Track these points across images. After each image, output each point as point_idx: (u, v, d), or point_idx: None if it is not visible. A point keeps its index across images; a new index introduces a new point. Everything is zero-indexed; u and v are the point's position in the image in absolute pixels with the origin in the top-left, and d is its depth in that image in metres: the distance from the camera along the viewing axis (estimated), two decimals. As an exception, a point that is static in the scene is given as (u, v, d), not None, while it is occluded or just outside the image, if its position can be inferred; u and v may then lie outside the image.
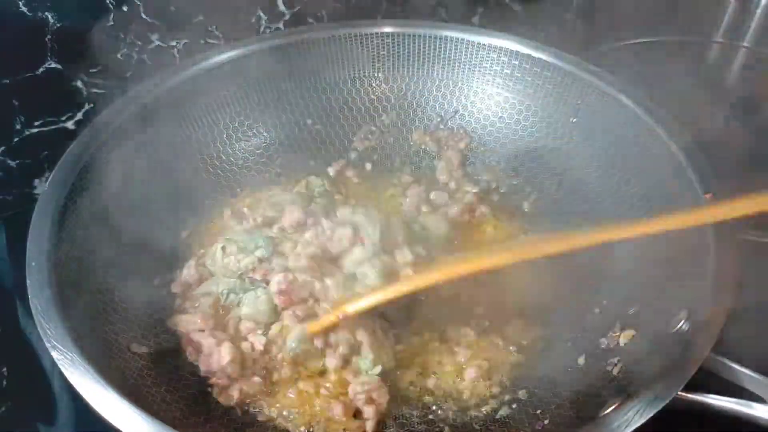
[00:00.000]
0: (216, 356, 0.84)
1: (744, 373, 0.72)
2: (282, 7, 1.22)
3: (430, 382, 0.87)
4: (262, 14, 1.21)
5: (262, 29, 1.23)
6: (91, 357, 0.72)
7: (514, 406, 0.84)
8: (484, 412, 0.84)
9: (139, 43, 1.13)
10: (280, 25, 1.24)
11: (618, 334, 0.84)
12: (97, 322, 0.82)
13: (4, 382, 0.95)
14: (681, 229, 0.70)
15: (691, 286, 0.78)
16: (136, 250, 0.96)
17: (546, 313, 0.94)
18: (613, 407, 0.68)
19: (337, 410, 0.81)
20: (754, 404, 0.69)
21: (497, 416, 0.83)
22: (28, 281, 0.78)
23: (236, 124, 1.15)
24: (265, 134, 1.18)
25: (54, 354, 0.71)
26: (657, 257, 0.88)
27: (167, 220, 1.03)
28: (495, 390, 0.86)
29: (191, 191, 1.09)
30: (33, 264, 0.80)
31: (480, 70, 1.17)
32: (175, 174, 1.07)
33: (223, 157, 1.14)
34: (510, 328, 0.93)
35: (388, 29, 1.17)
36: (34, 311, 0.75)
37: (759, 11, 1.47)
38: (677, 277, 0.83)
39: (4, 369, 0.96)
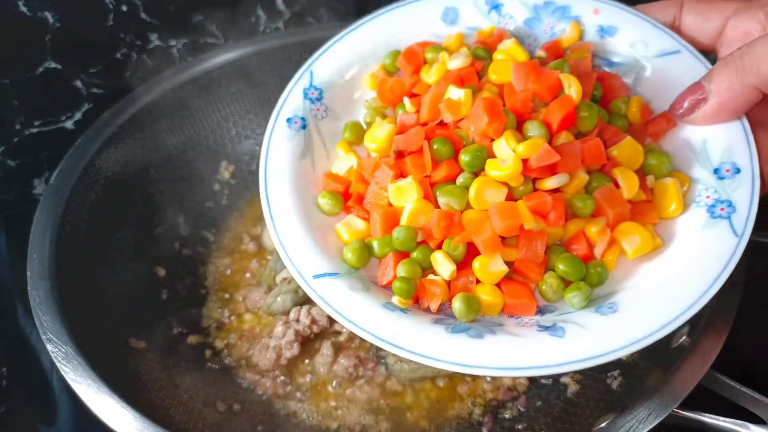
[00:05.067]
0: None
1: (743, 392, 0.70)
2: (282, 7, 1.22)
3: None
4: (261, 14, 1.21)
5: (261, 29, 1.23)
6: (86, 351, 0.73)
7: (507, 415, 0.84)
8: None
9: (139, 43, 1.13)
10: (280, 25, 1.24)
11: None
12: (95, 316, 0.82)
13: (4, 382, 0.95)
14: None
15: None
16: (138, 247, 0.96)
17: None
18: (606, 422, 0.68)
19: None
20: (752, 426, 0.67)
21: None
22: (28, 273, 0.79)
23: (246, 122, 1.15)
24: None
25: (49, 347, 0.72)
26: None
27: (167, 217, 1.04)
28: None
29: (195, 190, 1.09)
30: (34, 256, 0.81)
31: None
32: (178, 173, 1.08)
33: (230, 155, 1.15)
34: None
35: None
36: (32, 303, 0.75)
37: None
38: None
39: (4, 369, 0.96)
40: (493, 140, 0.65)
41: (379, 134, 0.71)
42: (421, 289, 0.64)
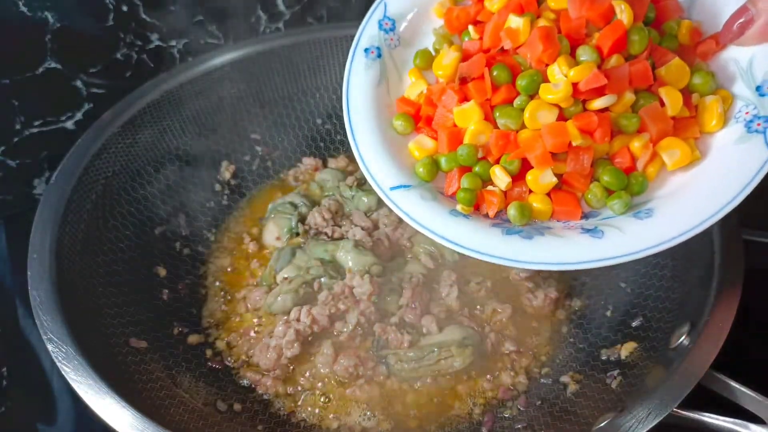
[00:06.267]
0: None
1: (743, 392, 0.70)
2: (282, 7, 1.22)
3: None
4: (261, 14, 1.21)
5: (262, 29, 1.23)
6: (87, 351, 0.73)
7: (506, 414, 0.84)
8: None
9: (139, 43, 1.13)
10: (280, 25, 1.24)
11: (620, 346, 0.84)
12: (96, 316, 0.82)
13: (4, 382, 0.95)
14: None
15: (694, 300, 0.78)
16: (138, 247, 0.96)
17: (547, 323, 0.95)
18: (606, 422, 0.68)
19: None
20: (752, 425, 0.68)
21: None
22: (29, 272, 0.79)
23: (246, 122, 1.15)
24: (274, 133, 1.18)
25: (49, 347, 0.72)
26: (663, 270, 0.87)
27: (168, 217, 1.04)
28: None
29: (195, 190, 1.10)
30: (35, 256, 0.81)
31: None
32: (179, 173, 1.08)
33: (231, 155, 1.15)
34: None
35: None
36: (32, 303, 0.75)
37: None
38: (682, 291, 0.83)
39: (4, 369, 0.96)
40: (547, 65, 0.70)
41: (446, 62, 0.77)
42: (481, 198, 0.73)
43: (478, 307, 0.94)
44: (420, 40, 0.85)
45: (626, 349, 0.82)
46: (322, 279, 0.93)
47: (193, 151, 1.11)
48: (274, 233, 1.04)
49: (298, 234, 1.02)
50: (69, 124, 1.12)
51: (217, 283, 1.02)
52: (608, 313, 0.91)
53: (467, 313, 0.92)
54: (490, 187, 0.73)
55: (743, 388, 0.70)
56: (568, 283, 0.97)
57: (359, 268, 0.93)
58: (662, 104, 0.69)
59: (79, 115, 1.13)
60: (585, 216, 0.71)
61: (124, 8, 1.08)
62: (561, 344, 0.91)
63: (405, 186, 0.73)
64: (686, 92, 0.70)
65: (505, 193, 0.73)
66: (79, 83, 1.10)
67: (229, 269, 1.04)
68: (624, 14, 0.69)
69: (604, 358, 0.84)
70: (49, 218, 0.86)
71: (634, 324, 0.85)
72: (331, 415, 0.85)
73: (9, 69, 1.04)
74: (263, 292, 0.96)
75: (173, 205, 1.06)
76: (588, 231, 0.67)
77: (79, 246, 0.87)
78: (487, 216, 0.72)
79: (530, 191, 0.72)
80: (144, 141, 1.04)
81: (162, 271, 0.98)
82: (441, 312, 0.91)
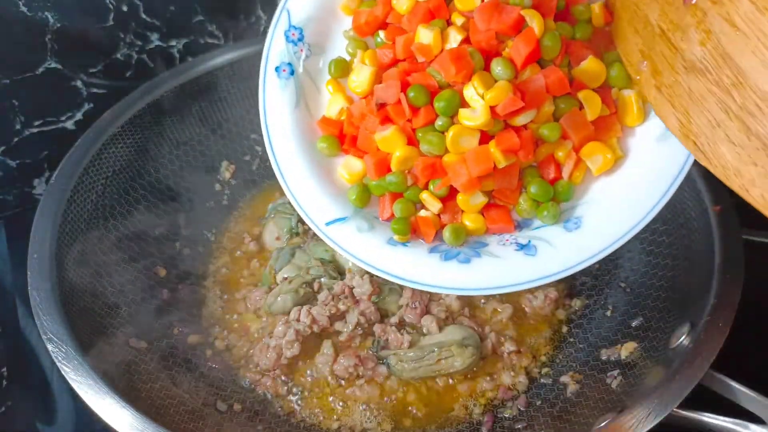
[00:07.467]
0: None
1: (743, 392, 0.70)
2: (282, 7, 1.22)
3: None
4: (261, 14, 1.21)
5: (262, 29, 1.23)
6: (86, 351, 0.73)
7: (506, 414, 0.84)
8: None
9: (139, 43, 1.13)
10: (280, 25, 1.24)
11: (620, 346, 0.83)
12: (96, 316, 0.82)
13: (4, 382, 0.95)
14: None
15: (694, 300, 0.78)
16: (138, 247, 0.96)
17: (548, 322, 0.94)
18: (606, 421, 0.68)
19: None
20: (752, 425, 0.68)
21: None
22: (29, 272, 0.79)
23: (246, 122, 1.15)
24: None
25: (49, 346, 0.72)
26: (663, 270, 0.87)
27: (168, 217, 1.04)
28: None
29: (195, 190, 1.10)
30: (35, 256, 0.80)
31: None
32: (178, 173, 1.08)
33: (231, 155, 1.15)
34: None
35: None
36: (32, 303, 0.76)
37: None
38: (682, 291, 0.83)
39: (4, 369, 0.96)
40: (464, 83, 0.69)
41: (361, 78, 0.74)
42: (416, 225, 0.73)
43: (478, 307, 0.94)
44: (332, 45, 0.80)
45: (626, 349, 0.82)
46: (322, 279, 0.93)
47: (193, 151, 1.11)
48: (274, 233, 1.04)
49: (298, 234, 1.02)
50: (69, 124, 1.13)
51: (217, 283, 1.02)
52: (608, 313, 0.91)
53: (467, 313, 0.92)
54: (423, 212, 0.72)
55: (743, 388, 0.70)
56: (568, 283, 0.97)
57: (359, 268, 0.93)
58: (582, 106, 0.69)
59: (79, 115, 1.13)
60: (519, 226, 0.71)
61: (124, 8, 1.08)
62: (561, 344, 0.91)
63: (340, 219, 0.73)
64: (605, 88, 0.70)
65: (439, 215, 0.72)
66: (79, 83, 1.10)
67: (228, 269, 1.04)
68: (534, 23, 0.67)
69: (604, 358, 0.84)
70: (49, 218, 0.86)
71: (634, 324, 0.85)
72: (331, 415, 0.85)
73: (9, 69, 1.04)
74: (263, 292, 0.96)
75: (173, 205, 1.06)
76: (522, 248, 0.68)
77: (79, 246, 0.87)
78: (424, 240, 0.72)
79: (463, 210, 0.72)
80: (144, 141, 1.04)
81: (162, 271, 0.98)
82: (441, 312, 0.91)
